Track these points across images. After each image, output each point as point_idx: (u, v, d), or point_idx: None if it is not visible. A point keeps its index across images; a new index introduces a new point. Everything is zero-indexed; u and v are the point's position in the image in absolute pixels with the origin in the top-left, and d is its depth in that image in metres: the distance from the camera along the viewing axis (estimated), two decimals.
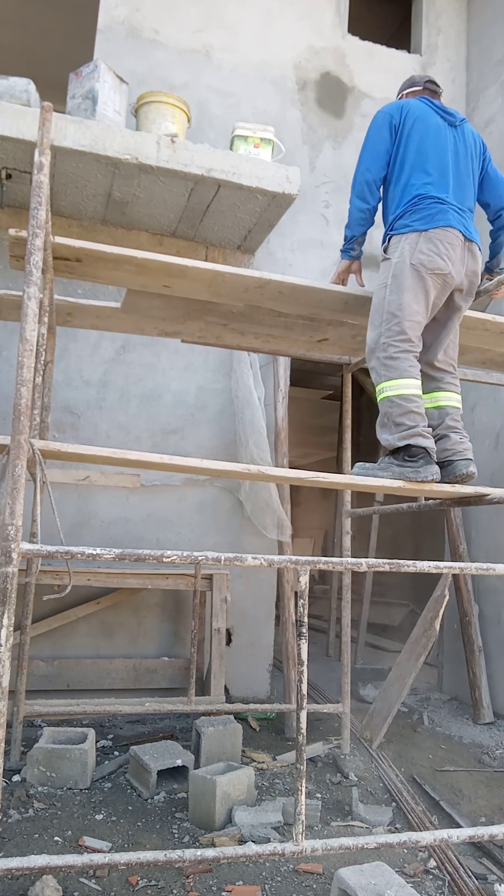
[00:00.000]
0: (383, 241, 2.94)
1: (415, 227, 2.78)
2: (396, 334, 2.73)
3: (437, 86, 3.13)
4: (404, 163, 2.89)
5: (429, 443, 2.71)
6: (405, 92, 3.17)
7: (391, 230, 2.88)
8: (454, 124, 2.97)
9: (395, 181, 2.92)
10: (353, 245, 3.05)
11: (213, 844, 2.60)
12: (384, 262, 2.85)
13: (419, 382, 2.76)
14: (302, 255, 5.14)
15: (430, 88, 3.12)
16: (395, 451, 2.74)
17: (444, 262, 2.75)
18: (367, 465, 2.77)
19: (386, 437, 2.75)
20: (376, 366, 2.78)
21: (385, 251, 2.87)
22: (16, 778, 3.14)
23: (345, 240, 3.05)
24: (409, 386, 2.73)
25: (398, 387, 2.72)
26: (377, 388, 2.79)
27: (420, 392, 2.76)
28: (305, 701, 2.12)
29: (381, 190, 2.99)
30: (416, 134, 2.89)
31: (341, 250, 3.09)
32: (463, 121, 3.02)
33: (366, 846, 2.13)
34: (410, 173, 2.87)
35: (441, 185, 2.84)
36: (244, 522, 4.68)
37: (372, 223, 3.02)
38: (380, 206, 3.03)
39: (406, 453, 2.70)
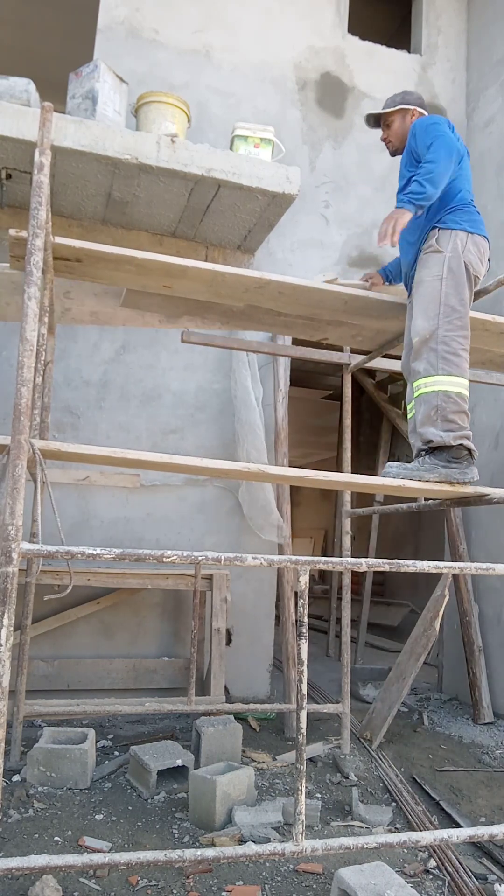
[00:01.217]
0: (421, 234, 2.93)
1: (465, 227, 2.85)
2: (459, 329, 2.75)
3: None
4: (455, 170, 2.93)
5: (472, 445, 2.73)
6: (417, 110, 3.19)
7: (439, 223, 2.88)
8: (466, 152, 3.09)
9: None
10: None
11: (213, 844, 2.60)
12: (433, 255, 2.84)
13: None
14: (302, 255, 5.14)
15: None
16: (437, 451, 2.71)
17: (482, 268, 2.88)
18: (406, 465, 2.73)
19: (435, 433, 2.70)
20: (431, 357, 2.75)
21: (435, 242, 2.85)
22: (16, 778, 3.14)
23: (416, 197, 2.79)
24: (465, 386, 2.75)
25: (457, 384, 2.72)
26: (427, 380, 2.75)
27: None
28: (305, 701, 2.12)
29: None
30: (462, 151, 2.98)
31: (409, 201, 2.77)
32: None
33: (366, 846, 2.13)
34: (459, 181, 2.93)
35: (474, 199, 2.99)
36: (244, 522, 4.68)
37: None
38: None
39: (450, 454, 2.70)
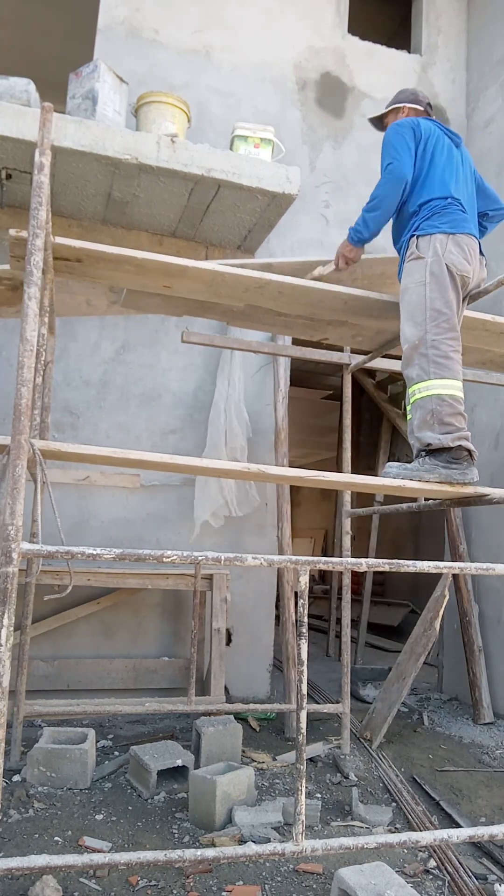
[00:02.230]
0: (399, 242, 2.99)
1: (442, 229, 2.84)
2: (447, 331, 2.75)
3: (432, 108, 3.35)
4: (426, 172, 2.96)
5: (471, 445, 2.73)
6: (408, 106, 3.27)
7: (416, 231, 2.89)
8: (458, 145, 3.10)
9: (417, 188, 2.97)
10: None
11: (213, 844, 2.60)
12: (416, 262, 2.85)
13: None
14: (302, 255, 5.13)
15: (428, 111, 3.30)
16: (436, 452, 2.72)
17: (468, 266, 2.85)
18: (406, 465, 2.74)
19: (433, 436, 2.71)
20: (422, 363, 2.76)
21: (416, 249, 2.86)
22: (16, 778, 3.14)
23: (357, 236, 3.02)
24: (459, 388, 2.75)
25: (450, 386, 2.72)
26: (420, 385, 2.76)
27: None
28: (305, 701, 2.12)
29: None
30: (433, 149, 2.99)
31: (351, 238, 3.04)
32: (461, 140, 3.18)
33: (366, 846, 2.13)
34: (433, 182, 2.94)
35: (460, 197, 2.96)
36: (244, 522, 4.69)
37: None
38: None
39: (450, 455, 2.70)
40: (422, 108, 3.27)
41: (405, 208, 2.99)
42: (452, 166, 3.00)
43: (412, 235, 2.90)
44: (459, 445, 2.70)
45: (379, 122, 3.38)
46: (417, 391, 2.78)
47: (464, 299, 2.90)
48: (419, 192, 2.95)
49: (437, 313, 2.76)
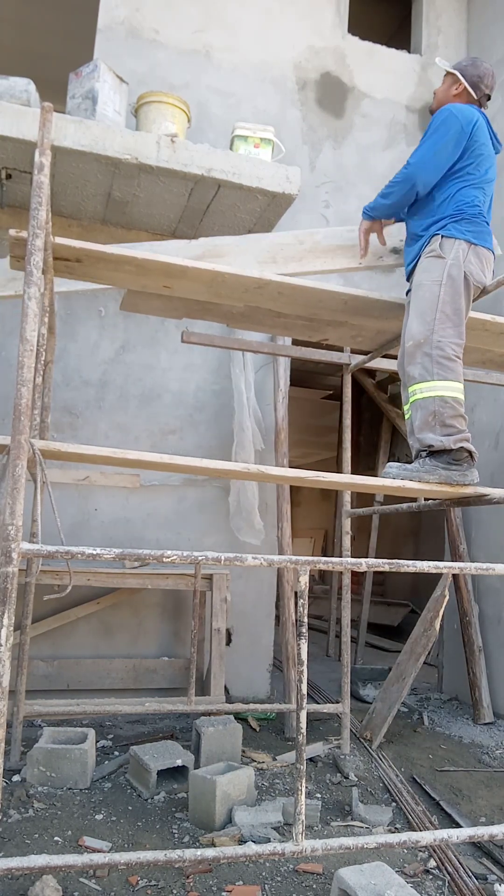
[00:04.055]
0: (422, 235, 2.95)
1: (468, 237, 2.85)
2: (453, 336, 2.76)
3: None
4: (469, 172, 2.92)
5: (472, 447, 2.74)
6: (466, 88, 3.06)
7: (441, 230, 2.87)
8: (498, 150, 3.06)
9: (455, 182, 2.93)
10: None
11: (213, 844, 2.60)
12: (435, 260, 2.84)
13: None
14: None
15: (482, 102, 3.11)
16: (437, 453, 2.72)
17: (484, 280, 2.88)
18: (406, 465, 2.74)
19: (434, 438, 2.71)
20: (425, 362, 2.76)
21: (438, 247, 2.85)
22: (16, 778, 3.14)
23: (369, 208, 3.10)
24: (461, 390, 2.76)
25: (453, 389, 2.73)
26: (423, 385, 2.76)
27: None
28: (305, 701, 2.12)
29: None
30: (477, 152, 2.93)
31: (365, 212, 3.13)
32: (501, 148, 3.11)
33: (366, 846, 2.13)
34: (472, 186, 2.91)
35: (487, 208, 2.96)
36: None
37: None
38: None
39: (451, 456, 2.70)
40: (476, 98, 3.06)
41: (436, 192, 2.94)
42: (489, 176, 2.98)
43: (437, 233, 2.88)
44: (461, 447, 2.70)
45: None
46: (419, 391, 2.77)
47: None
48: (456, 186, 2.90)
49: (446, 317, 2.76)
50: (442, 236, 2.87)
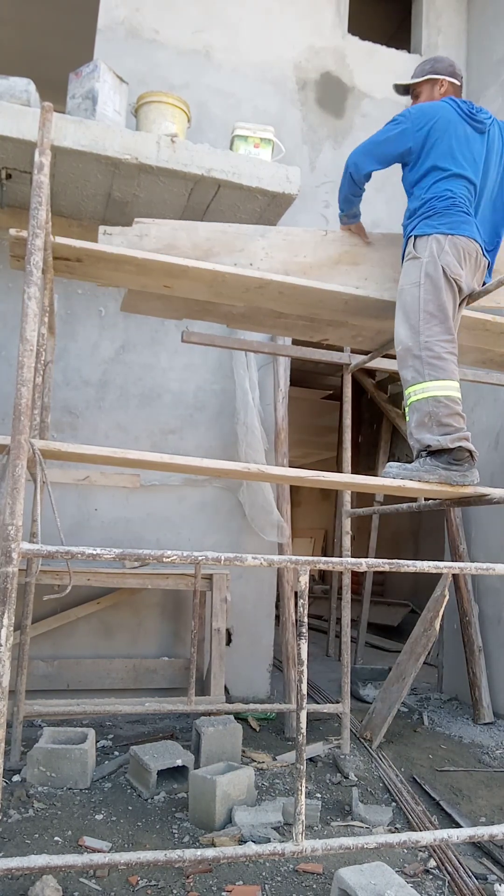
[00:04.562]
0: (407, 239, 2.94)
1: (441, 230, 2.80)
2: (440, 334, 2.73)
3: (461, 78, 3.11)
4: (432, 166, 2.87)
5: (472, 446, 2.72)
6: (448, 81, 3.07)
7: (414, 231, 2.86)
8: (482, 131, 2.92)
9: (424, 182, 2.90)
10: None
11: (213, 844, 2.60)
12: (412, 261, 2.83)
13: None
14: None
15: (456, 84, 3.08)
16: (437, 453, 2.71)
17: (462, 271, 2.79)
18: (406, 465, 2.73)
19: (432, 438, 2.69)
20: (416, 365, 2.75)
21: (413, 249, 2.84)
22: (16, 778, 3.14)
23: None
24: (456, 388, 2.74)
25: (446, 388, 2.71)
26: (416, 387, 2.75)
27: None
28: (305, 701, 2.12)
29: (412, 187, 2.97)
30: (445, 143, 2.85)
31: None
32: (492, 123, 2.97)
33: (366, 846, 2.13)
34: (439, 179, 2.86)
35: (468, 198, 2.87)
36: (244, 522, 4.68)
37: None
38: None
39: (451, 456, 2.69)
40: (459, 83, 3.07)
41: (416, 191, 2.92)
42: (468, 159, 2.86)
43: (411, 236, 2.88)
44: (460, 447, 2.68)
45: (405, 88, 3.17)
46: (413, 394, 2.77)
47: (462, 301, 2.88)
48: (429, 182, 2.87)
49: (430, 316, 2.74)
50: (415, 237, 2.86)
